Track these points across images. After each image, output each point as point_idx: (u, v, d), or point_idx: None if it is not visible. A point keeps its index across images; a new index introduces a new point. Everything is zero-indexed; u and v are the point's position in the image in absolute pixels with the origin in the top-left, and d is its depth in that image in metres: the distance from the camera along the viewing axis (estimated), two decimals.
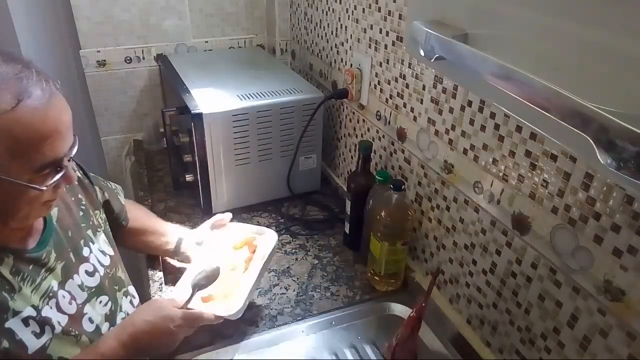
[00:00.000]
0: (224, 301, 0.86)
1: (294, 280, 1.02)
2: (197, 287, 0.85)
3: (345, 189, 1.09)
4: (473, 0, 0.53)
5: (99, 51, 1.47)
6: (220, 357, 0.85)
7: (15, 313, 0.64)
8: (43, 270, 0.70)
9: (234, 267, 0.93)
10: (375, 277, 0.99)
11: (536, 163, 0.66)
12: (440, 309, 0.92)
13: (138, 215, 1.03)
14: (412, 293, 0.99)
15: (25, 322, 0.65)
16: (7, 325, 0.63)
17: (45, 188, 0.62)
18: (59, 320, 0.69)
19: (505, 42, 0.49)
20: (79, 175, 0.87)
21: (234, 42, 1.62)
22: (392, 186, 0.90)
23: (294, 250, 1.12)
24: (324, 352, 0.93)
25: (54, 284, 0.71)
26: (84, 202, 0.84)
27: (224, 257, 0.95)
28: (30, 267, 0.68)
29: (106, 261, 0.83)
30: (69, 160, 0.67)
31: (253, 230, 1.01)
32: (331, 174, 1.41)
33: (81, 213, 0.82)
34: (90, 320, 0.75)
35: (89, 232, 0.82)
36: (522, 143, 0.68)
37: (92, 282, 0.78)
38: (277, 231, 1.16)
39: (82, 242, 0.79)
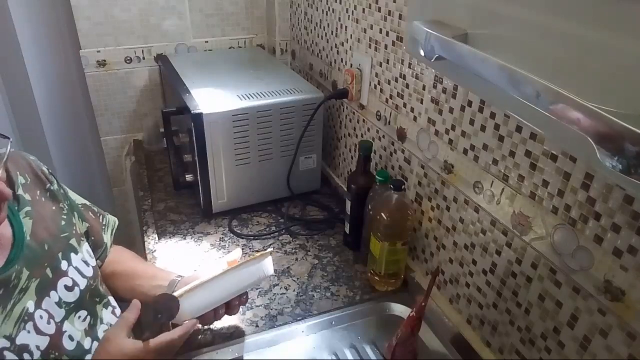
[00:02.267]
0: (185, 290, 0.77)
1: (294, 280, 1.02)
2: (156, 317, 0.74)
3: (345, 189, 1.09)
4: (473, 0, 0.53)
5: (99, 51, 1.47)
6: (220, 357, 0.85)
7: None
8: (16, 292, 0.64)
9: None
10: (375, 277, 0.99)
11: (536, 163, 0.66)
12: (440, 309, 0.92)
13: (123, 258, 0.93)
14: (412, 293, 0.99)
15: (0, 355, 0.60)
16: None
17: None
18: (38, 344, 0.64)
19: (505, 42, 0.49)
20: (58, 187, 0.81)
21: (234, 42, 1.62)
22: (392, 186, 0.90)
23: (294, 250, 1.12)
24: (324, 352, 0.93)
25: (30, 305, 0.65)
26: (66, 210, 0.79)
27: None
28: (1, 291, 0.63)
29: (89, 272, 0.77)
30: None
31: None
32: (331, 174, 1.41)
33: (63, 222, 0.77)
34: (70, 338, 0.70)
35: (72, 241, 0.77)
36: (522, 143, 0.68)
37: (71, 297, 0.72)
38: (276, 230, 1.17)
39: (60, 255, 0.73)
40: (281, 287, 1.00)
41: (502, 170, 0.73)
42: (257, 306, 0.95)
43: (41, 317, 0.66)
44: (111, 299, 0.84)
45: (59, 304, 0.70)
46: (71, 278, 0.73)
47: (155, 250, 1.10)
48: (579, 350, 0.64)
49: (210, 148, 1.12)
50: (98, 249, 0.89)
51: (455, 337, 0.87)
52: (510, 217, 0.73)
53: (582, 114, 0.37)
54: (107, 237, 0.92)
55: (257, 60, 1.49)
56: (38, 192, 0.76)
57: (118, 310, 0.84)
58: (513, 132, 0.70)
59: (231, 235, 1.17)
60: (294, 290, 1.00)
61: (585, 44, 0.40)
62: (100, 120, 1.56)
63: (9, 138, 0.62)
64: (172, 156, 1.26)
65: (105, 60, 1.48)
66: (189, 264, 1.05)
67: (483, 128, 0.76)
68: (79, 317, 0.74)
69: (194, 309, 0.78)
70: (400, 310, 0.96)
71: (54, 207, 0.77)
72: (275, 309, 0.95)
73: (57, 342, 0.67)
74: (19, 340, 0.62)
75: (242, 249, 1.11)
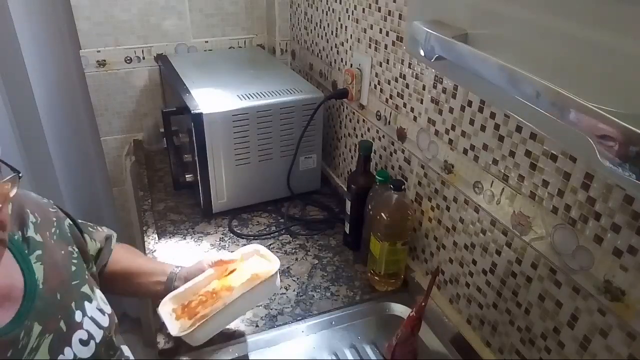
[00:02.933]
0: (197, 319, 0.78)
1: (294, 280, 1.02)
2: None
3: (345, 189, 1.10)
4: (473, 0, 0.53)
5: (99, 51, 1.47)
6: (220, 357, 0.85)
7: None
8: (26, 353, 0.56)
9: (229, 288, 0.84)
10: (375, 277, 0.99)
11: (536, 163, 0.66)
12: (440, 309, 0.92)
13: (124, 257, 0.90)
14: (412, 293, 0.99)
15: None
16: None
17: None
18: None
19: (505, 42, 0.49)
20: (69, 222, 0.75)
21: (234, 42, 1.62)
22: (392, 186, 0.90)
23: (294, 250, 1.12)
24: (324, 352, 0.93)
25: None
26: (75, 254, 0.72)
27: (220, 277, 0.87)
28: (9, 354, 0.55)
29: (105, 322, 0.69)
30: None
31: (269, 258, 0.88)
32: (331, 174, 1.41)
33: (73, 268, 0.69)
34: None
35: (85, 288, 0.69)
36: (522, 143, 0.68)
37: (87, 352, 0.64)
38: (276, 230, 1.17)
39: (73, 304, 0.65)
40: (281, 287, 1.00)
41: (502, 170, 0.73)
42: (257, 306, 0.95)
43: None
44: (124, 348, 0.75)
45: None
46: (86, 330, 0.65)
47: (155, 250, 1.10)
48: (579, 350, 0.64)
49: (210, 148, 1.12)
50: (103, 259, 0.86)
51: (455, 337, 0.87)
52: (510, 217, 0.73)
53: (582, 114, 0.37)
54: (113, 245, 0.90)
55: (257, 60, 1.49)
56: (48, 233, 0.69)
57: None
58: (513, 132, 0.70)
59: (231, 235, 1.17)
60: (294, 290, 1.00)
61: (585, 44, 0.40)
62: (100, 120, 1.56)
63: (18, 172, 0.56)
64: (172, 156, 1.26)
65: (105, 60, 1.48)
66: (189, 264, 1.05)
67: (483, 128, 0.76)
68: None
69: (208, 333, 0.81)
70: (400, 310, 0.96)
71: (63, 252, 0.69)
72: (275, 309, 0.95)
73: None
74: None
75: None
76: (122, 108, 1.57)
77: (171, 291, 0.84)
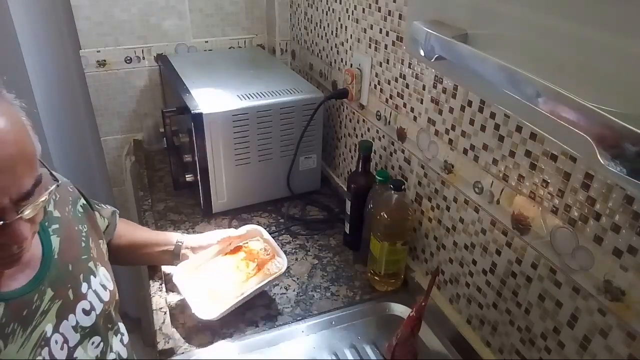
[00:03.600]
0: (213, 299, 0.90)
1: (294, 280, 1.02)
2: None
3: (345, 189, 1.09)
4: (473, 0, 0.53)
5: (99, 51, 1.47)
6: (220, 357, 0.85)
7: None
8: (38, 314, 0.62)
9: (238, 268, 0.96)
10: (375, 277, 0.99)
11: (536, 163, 0.66)
12: (440, 309, 0.92)
13: (127, 230, 0.98)
14: (412, 293, 0.99)
15: None
16: None
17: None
18: None
19: (505, 42, 0.49)
20: (83, 202, 0.80)
21: (234, 42, 1.62)
22: (392, 186, 0.90)
23: (294, 250, 1.12)
24: (324, 352, 0.93)
25: (48, 329, 0.63)
26: (84, 232, 0.77)
27: (229, 260, 0.98)
28: (24, 312, 0.60)
29: (106, 296, 0.75)
30: (20, 211, 0.52)
31: (272, 246, 0.99)
32: (331, 174, 1.41)
33: (83, 244, 0.75)
34: None
35: (91, 264, 0.75)
36: (522, 143, 0.68)
37: (88, 321, 0.70)
38: (276, 230, 1.17)
39: (81, 277, 0.71)
40: (281, 287, 1.00)
41: (502, 170, 0.73)
42: (257, 306, 0.95)
43: (56, 342, 0.64)
44: (121, 325, 0.82)
45: (75, 328, 0.68)
46: (89, 302, 0.71)
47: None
48: (579, 350, 0.64)
49: (210, 148, 1.12)
50: (111, 234, 0.93)
51: (455, 337, 0.87)
52: (510, 217, 0.73)
53: (582, 114, 0.37)
54: (117, 221, 0.97)
55: (257, 60, 1.49)
56: (66, 209, 0.75)
57: (126, 338, 0.82)
58: (513, 132, 0.70)
59: None
60: (294, 290, 1.00)
61: (585, 44, 0.40)
62: (100, 120, 1.56)
63: (57, 180, 0.60)
64: (172, 156, 1.26)
65: (105, 60, 1.48)
66: (189, 264, 1.05)
67: (483, 128, 0.76)
68: (93, 342, 0.71)
69: (225, 314, 0.89)
70: (400, 310, 0.96)
71: (76, 228, 0.75)
72: (275, 309, 0.95)
73: None
74: None
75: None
76: (122, 108, 1.57)
77: (179, 258, 0.96)
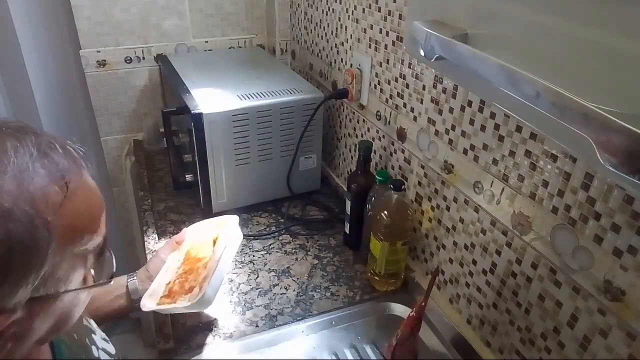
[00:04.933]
0: (187, 295, 0.81)
1: (294, 280, 1.02)
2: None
3: (345, 189, 1.09)
4: (473, 0, 0.53)
5: (99, 51, 1.47)
6: (220, 357, 0.85)
7: None
8: None
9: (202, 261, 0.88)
10: (375, 277, 0.99)
11: (536, 163, 0.66)
12: (440, 309, 0.92)
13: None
14: (412, 293, 0.99)
15: None
16: None
17: (110, 280, 0.52)
18: None
19: (505, 42, 0.49)
20: None
21: (234, 42, 1.62)
22: (392, 186, 0.90)
23: (294, 250, 1.12)
24: (324, 352, 0.93)
25: None
26: None
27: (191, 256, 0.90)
28: None
29: (112, 349, 0.70)
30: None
31: (216, 223, 0.93)
32: (331, 174, 1.41)
33: None
34: None
35: (84, 321, 0.68)
36: (522, 143, 0.68)
37: None
38: (276, 230, 1.17)
39: (87, 340, 0.65)
40: (281, 287, 1.00)
41: (502, 170, 0.73)
42: (257, 306, 0.95)
43: None
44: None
45: None
46: None
47: (155, 251, 1.10)
48: (579, 350, 0.64)
49: (210, 148, 1.12)
50: None
51: (455, 337, 0.87)
52: (510, 217, 0.73)
53: (582, 114, 0.37)
54: None
55: (257, 60, 1.49)
56: None
57: None
58: (513, 132, 0.70)
59: None
60: (294, 290, 1.00)
61: (586, 44, 0.40)
62: (100, 120, 1.56)
63: None
64: (172, 156, 1.26)
65: (105, 60, 1.48)
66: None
67: (483, 128, 0.76)
68: None
69: (215, 290, 0.81)
70: (400, 310, 0.96)
71: None
72: (275, 309, 0.95)
73: None
74: None
75: (242, 248, 1.11)
76: (122, 108, 1.57)
77: (139, 296, 0.83)
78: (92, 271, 0.51)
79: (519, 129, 0.69)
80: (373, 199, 0.98)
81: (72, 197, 0.45)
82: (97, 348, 0.66)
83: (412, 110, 0.95)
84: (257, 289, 0.99)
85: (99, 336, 0.69)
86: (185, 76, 1.27)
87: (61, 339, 0.60)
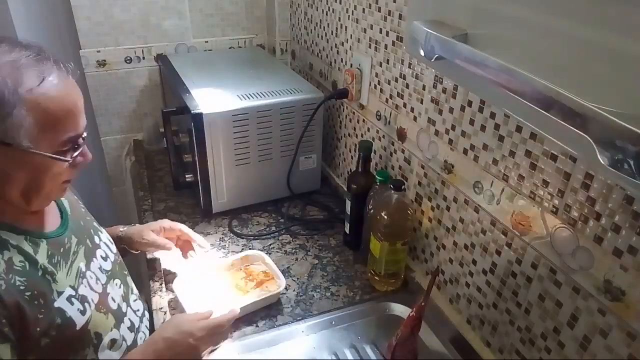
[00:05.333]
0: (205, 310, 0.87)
1: (294, 280, 1.02)
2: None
3: (345, 189, 1.09)
4: (473, 0, 0.53)
5: (99, 51, 1.47)
6: (220, 357, 0.85)
7: (59, 293, 0.68)
8: (71, 253, 0.74)
9: (237, 286, 0.98)
10: (375, 277, 0.99)
11: (536, 163, 0.66)
12: (440, 309, 0.92)
13: None
14: (412, 293, 0.99)
15: (69, 301, 0.69)
16: (56, 305, 0.67)
17: (70, 159, 0.67)
18: (92, 298, 0.74)
19: (505, 42, 0.49)
20: (75, 191, 0.89)
21: (234, 42, 1.62)
22: (392, 186, 0.90)
23: (294, 250, 1.12)
24: (324, 352, 0.93)
25: (82, 266, 0.75)
26: (83, 208, 0.88)
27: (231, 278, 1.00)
28: (61, 249, 0.72)
29: (113, 249, 0.88)
30: (83, 140, 0.70)
31: (272, 270, 1.00)
32: (331, 174, 1.41)
33: (83, 209, 0.87)
34: (113, 299, 0.79)
35: (95, 224, 0.88)
36: (522, 143, 0.68)
37: (107, 265, 0.82)
38: (276, 230, 1.17)
39: (92, 230, 0.84)
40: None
41: (502, 170, 0.73)
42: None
43: (91, 277, 0.76)
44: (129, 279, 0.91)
45: (101, 269, 0.80)
46: (104, 250, 0.84)
47: (155, 250, 1.10)
48: (579, 350, 0.64)
49: (210, 148, 1.12)
50: None
51: (455, 337, 0.87)
52: (510, 217, 0.73)
53: (582, 114, 0.37)
54: None
55: (257, 60, 1.49)
56: None
57: (136, 291, 0.91)
58: (513, 132, 0.70)
59: (231, 235, 1.16)
60: (294, 290, 1.00)
61: (586, 44, 0.40)
62: (100, 120, 1.56)
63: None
64: (172, 156, 1.26)
65: (105, 60, 1.48)
66: (189, 264, 1.05)
67: (483, 128, 0.76)
68: (116, 284, 0.82)
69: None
70: (400, 310, 0.96)
71: (74, 197, 0.87)
72: (275, 309, 0.95)
73: (104, 300, 0.77)
74: (80, 291, 0.72)
75: (242, 249, 1.11)
76: (122, 108, 1.57)
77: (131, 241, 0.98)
78: (71, 158, 0.68)
79: (519, 129, 0.69)
80: (373, 199, 0.98)
81: (47, 87, 0.63)
82: (99, 239, 0.85)
83: (412, 110, 0.95)
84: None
85: (105, 236, 0.87)
86: (185, 76, 1.27)
87: (69, 217, 0.78)
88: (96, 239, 0.84)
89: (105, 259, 0.83)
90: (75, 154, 0.68)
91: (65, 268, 0.72)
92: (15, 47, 0.65)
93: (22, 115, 0.61)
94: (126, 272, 0.89)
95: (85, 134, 0.70)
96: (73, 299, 0.70)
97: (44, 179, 0.67)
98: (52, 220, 0.75)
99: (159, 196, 1.31)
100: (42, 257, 0.68)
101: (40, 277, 0.67)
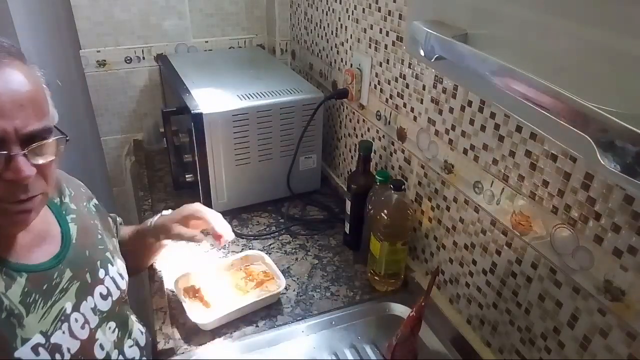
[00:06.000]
0: (209, 308, 0.91)
1: (294, 280, 1.02)
2: None
3: (345, 189, 1.09)
4: (473, 0, 0.53)
5: (99, 51, 1.47)
6: (220, 357, 0.85)
7: (24, 341, 0.59)
8: (57, 291, 0.65)
9: (237, 286, 0.98)
10: (375, 277, 0.99)
11: (536, 163, 0.66)
12: (440, 309, 0.92)
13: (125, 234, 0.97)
14: (412, 293, 0.98)
15: (35, 351, 0.60)
16: (16, 354, 0.58)
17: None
18: (69, 347, 0.64)
19: (505, 42, 0.49)
20: (95, 202, 0.84)
21: (234, 42, 1.62)
22: (392, 186, 0.90)
23: (294, 250, 1.12)
24: (324, 352, 0.93)
25: (68, 306, 0.66)
26: (99, 228, 0.81)
27: (232, 275, 1.00)
28: (45, 286, 0.64)
29: (123, 284, 0.79)
30: (26, 150, 0.56)
31: (272, 270, 1.00)
32: (331, 174, 1.41)
33: (98, 236, 0.79)
34: (101, 347, 0.70)
35: (108, 254, 0.78)
36: (522, 143, 0.68)
37: (105, 306, 0.73)
38: (276, 230, 1.17)
39: (99, 263, 0.75)
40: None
41: (502, 170, 0.73)
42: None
43: (76, 320, 0.67)
44: (133, 317, 0.84)
45: (94, 310, 0.71)
46: (107, 287, 0.74)
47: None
48: (579, 350, 0.64)
49: (210, 148, 1.12)
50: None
51: (455, 337, 0.87)
52: (510, 217, 0.73)
53: (582, 114, 0.37)
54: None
55: (257, 60, 1.49)
56: (81, 204, 0.80)
57: (143, 329, 0.84)
58: (513, 132, 0.70)
59: None
60: (294, 290, 1.00)
61: (586, 44, 0.40)
62: (100, 120, 1.56)
63: (66, 136, 0.63)
64: (172, 156, 1.26)
65: (105, 60, 1.48)
66: (189, 263, 1.05)
67: (483, 128, 0.76)
68: (109, 327, 0.74)
69: (219, 323, 0.90)
70: (400, 310, 0.96)
71: (92, 222, 0.79)
72: (275, 309, 0.95)
73: (88, 349, 0.68)
74: (53, 339, 0.62)
75: (242, 249, 1.11)
76: (122, 108, 1.57)
77: (163, 232, 0.90)
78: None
79: (519, 129, 0.69)
80: (373, 199, 0.98)
81: None
82: (106, 273, 0.75)
83: (412, 110, 0.95)
84: (240, 314, 0.98)
85: (115, 269, 0.78)
86: (185, 76, 1.27)
87: (71, 246, 0.70)
88: (101, 272, 0.74)
89: (105, 297, 0.73)
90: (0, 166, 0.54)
91: (42, 309, 0.62)
92: None
93: None
94: (129, 312, 0.81)
95: (29, 141, 0.56)
96: (40, 348, 0.60)
97: None
98: (46, 249, 0.67)
99: (159, 196, 1.31)
100: (13, 295, 0.59)
101: (3, 319, 0.57)
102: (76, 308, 0.67)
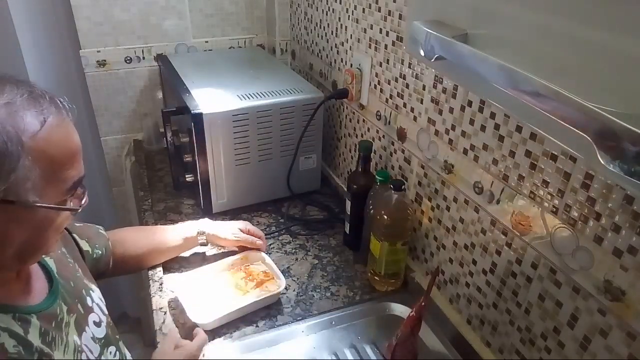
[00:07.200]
0: (209, 308, 0.91)
1: (294, 280, 1.02)
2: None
3: (345, 189, 1.09)
4: (473, 0, 0.53)
5: (99, 51, 1.47)
6: (220, 357, 0.85)
7: None
8: (63, 326, 0.64)
9: (237, 286, 0.98)
10: (375, 277, 0.99)
11: (536, 163, 0.66)
12: (440, 309, 0.92)
13: (131, 238, 0.98)
14: (412, 293, 0.99)
15: None
16: None
17: (79, 208, 0.60)
18: None
19: (505, 42, 0.49)
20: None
21: (234, 42, 1.62)
22: (392, 186, 0.90)
23: (294, 250, 1.12)
24: (324, 352, 0.93)
25: (76, 339, 0.65)
26: (68, 255, 0.78)
27: (230, 276, 1.00)
28: (54, 324, 0.63)
29: (105, 309, 0.78)
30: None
31: (273, 270, 1.00)
32: (331, 174, 1.41)
33: (70, 264, 0.76)
34: None
35: (85, 281, 0.77)
36: (522, 143, 0.68)
37: (100, 333, 0.72)
38: (276, 230, 1.17)
39: (83, 291, 0.73)
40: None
41: (502, 170, 0.73)
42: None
43: (85, 351, 0.67)
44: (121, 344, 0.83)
45: (94, 339, 0.70)
46: (97, 314, 0.74)
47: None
48: (579, 350, 0.64)
49: (210, 148, 1.12)
50: (100, 258, 0.90)
51: (455, 337, 0.87)
52: (510, 217, 0.73)
53: (582, 114, 0.37)
54: (106, 238, 0.93)
55: (257, 60, 1.49)
56: None
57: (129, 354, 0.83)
58: (513, 132, 0.70)
59: None
60: (294, 290, 1.00)
61: (585, 44, 0.40)
62: (100, 120, 1.56)
63: None
64: (172, 156, 1.26)
65: (105, 60, 1.48)
66: (189, 264, 1.05)
67: (483, 128, 0.76)
68: (110, 352, 0.73)
69: (219, 324, 0.91)
70: (400, 310, 0.96)
71: (59, 251, 0.76)
72: (275, 309, 0.95)
73: None
74: None
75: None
76: (122, 108, 1.57)
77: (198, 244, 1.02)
78: (71, 203, 0.60)
79: (519, 129, 0.69)
80: (373, 199, 0.98)
81: (49, 130, 0.55)
82: (92, 300, 0.75)
83: (412, 110, 0.95)
84: (241, 314, 0.98)
85: (96, 295, 0.77)
86: (185, 76, 1.27)
87: (57, 279, 0.68)
88: (88, 300, 0.73)
89: (98, 324, 0.73)
90: (83, 200, 0.61)
91: (62, 345, 0.62)
92: (5, 84, 0.55)
93: (27, 167, 0.52)
94: (118, 336, 0.79)
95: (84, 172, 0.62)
96: None
97: (46, 233, 0.58)
98: (39, 287, 0.65)
99: (159, 196, 1.31)
100: (34, 337, 0.58)
101: None
102: (80, 340, 0.67)
